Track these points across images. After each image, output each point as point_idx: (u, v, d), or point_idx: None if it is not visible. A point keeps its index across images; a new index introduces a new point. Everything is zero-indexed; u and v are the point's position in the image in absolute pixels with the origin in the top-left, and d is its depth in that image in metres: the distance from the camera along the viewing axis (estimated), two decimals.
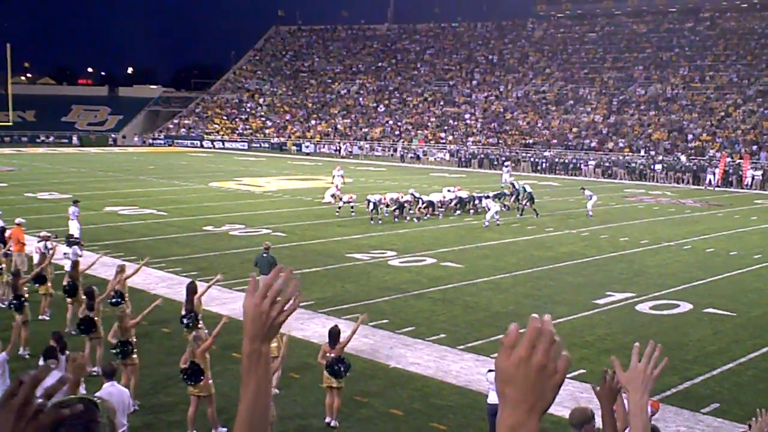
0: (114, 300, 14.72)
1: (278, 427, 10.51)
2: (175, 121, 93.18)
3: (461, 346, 14.99)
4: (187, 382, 10.95)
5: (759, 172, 51.85)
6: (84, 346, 13.35)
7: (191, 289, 13.81)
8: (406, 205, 31.39)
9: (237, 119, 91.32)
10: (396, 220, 30.78)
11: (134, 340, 12.15)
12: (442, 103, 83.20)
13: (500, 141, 71.25)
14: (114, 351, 11.92)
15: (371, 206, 30.32)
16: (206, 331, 12.24)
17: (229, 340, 13.62)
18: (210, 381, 11.00)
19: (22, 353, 13.85)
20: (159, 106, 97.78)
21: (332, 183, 38.29)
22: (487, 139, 72.48)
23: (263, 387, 2.03)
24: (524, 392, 1.50)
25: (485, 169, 61.65)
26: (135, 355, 12.04)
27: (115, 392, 9.22)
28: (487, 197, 32.40)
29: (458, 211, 33.12)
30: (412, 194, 31.96)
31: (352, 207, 31.84)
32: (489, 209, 30.55)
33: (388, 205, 31.06)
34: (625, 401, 3.10)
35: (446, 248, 25.36)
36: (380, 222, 30.15)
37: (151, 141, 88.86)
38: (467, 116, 78.63)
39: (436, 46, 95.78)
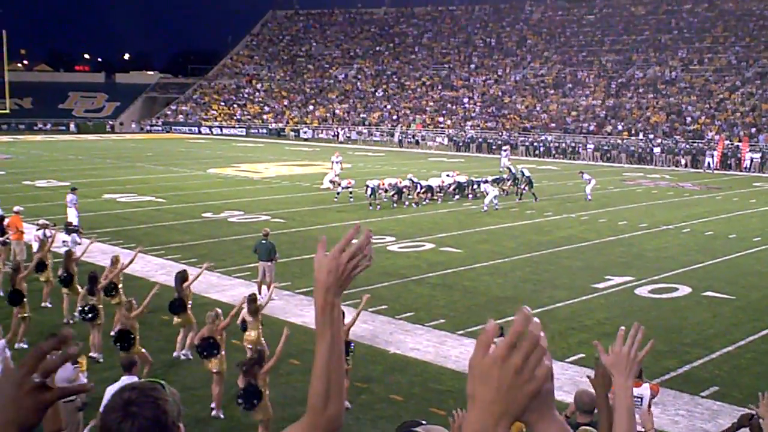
0: (107, 291, 14.72)
1: (280, 412, 10.53)
2: (173, 107, 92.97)
3: (460, 331, 15.01)
4: (203, 357, 11.33)
5: (758, 155, 51.83)
6: (88, 333, 13.40)
7: (181, 278, 13.85)
8: (404, 190, 31.36)
9: (235, 105, 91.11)
10: (395, 205, 30.76)
11: (137, 332, 12.19)
12: (440, 87, 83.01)
13: (498, 125, 71.14)
14: (117, 344, 11.97)
15: (369, 192, 30.29)
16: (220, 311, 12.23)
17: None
18: (224, 358, 11.35)
19: (19, 346, 13.73)
20: (156, 93, 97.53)
21: (331, 169, 38.24)
22: (485, 123, 72.36)
23: (337, 338, 2.08)
24: (497, 394, 1.42)
25: (484, 154, 61.59)
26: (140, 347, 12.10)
27: None
28: (486, 182, 32.40)
29: (457, 196, 33.11)
30: (410, 179, 31.94)
31: (350, 192, 31.84)
32: (487, 194, 30.55)
33: (386, 191, 31.04)
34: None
35: (445, 233, 25.36)
36: (378, 207, 30.13)
37: (148, 127, 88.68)
38: (465, 100, 78.47)
39: (434, 30, 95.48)
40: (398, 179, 31.87)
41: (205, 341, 11.27)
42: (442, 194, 32.73)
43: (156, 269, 19.75)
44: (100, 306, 13.50)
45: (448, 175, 34.43)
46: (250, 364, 9.89)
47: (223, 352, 11.38)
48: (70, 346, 1.65)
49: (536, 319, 1.45)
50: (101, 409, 2.16)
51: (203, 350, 11.29)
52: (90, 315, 13.28)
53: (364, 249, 2.07)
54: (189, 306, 13.81)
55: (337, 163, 38.66)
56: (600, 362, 3.83)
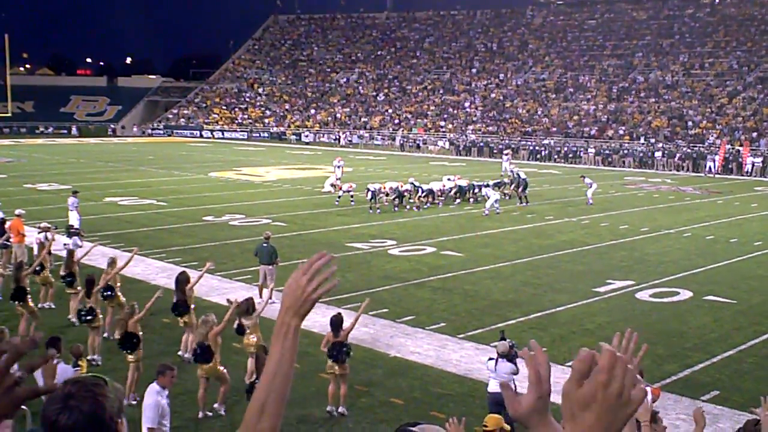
0: (105, 293, 14.73)
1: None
2: (174, 111, 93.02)
3: (461, 335, 15.01)
4: (195, 362, 11.51)
5: (759, 159, 51.80)
6: (87, 336, 13.40)
7: (182, 280, 13.87)
8: (405, 194, 31.37)
9: (236, 109, 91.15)
10: (396, 209, 30.76)
11: (140, 333, 12.21)
12: (441, 91, 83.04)
13: (500, 129, 71.15)
14: (121, 346, 12.01)
15: (370, 195, 30.31)
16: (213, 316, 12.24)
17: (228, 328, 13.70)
18: (220, 366, 11.47)
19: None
20: (158, 96, 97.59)
21: (332, 173, 38.24)
22: (486, 127, 72.37)
23: (287, 357, 2.11)
24: (599, 418, 1.49)
25: (485, 158, 61.59)
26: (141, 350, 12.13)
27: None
28: (487, 186, 32.40)
29: (458, 200, 33.09)
30: (411, 183, 31.93)
31: (351, 196, 31.85)
32: (489, 197, 30.57)
33: (387, 194, 31.05)
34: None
35: (446, 237, 25.36)
36: (379, 211, 30.12)
37: (150, 131, 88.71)
38: (467, 104, 78.48)
39: (436, 35, 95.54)
40: (399, 183, 31.89)
41: (198, 348, 11.36)
42: (443, 198, 32.72)
43: (157, 272, 19.76)
44: (98, 309, 13.51)
45: (449, 179, 34.43)
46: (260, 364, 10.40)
47: (217, 357, 11.41)
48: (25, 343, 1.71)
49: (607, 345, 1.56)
50: None
51: (197, 356, 11.41)
52: (88, 317, 13.28)
53: (323, 272, 2.12)
54: (192, 307, 13.84)
55: (338, 167, 38.67)
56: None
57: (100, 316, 13.58)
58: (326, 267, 2.15)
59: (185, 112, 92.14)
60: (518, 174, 34.45)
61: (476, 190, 33.54)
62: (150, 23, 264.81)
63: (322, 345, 11.48)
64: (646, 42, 77.82)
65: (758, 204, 35.17)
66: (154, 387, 9.27)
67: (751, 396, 11.68)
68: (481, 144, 65.99)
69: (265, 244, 17.42)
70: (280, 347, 2.11)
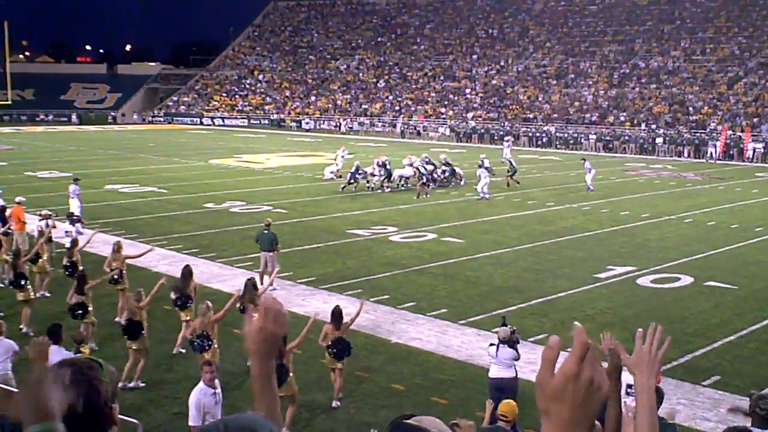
0: (113, 278, 14.77)
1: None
2: (175, 98, 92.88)
3: (462, 321, 15.02)
4: (194, 351, 11.39)
5: (760, 145, 51.71)
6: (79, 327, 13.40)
7: (185, 274, 13.83)
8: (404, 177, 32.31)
9: (236, 96, 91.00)
10: (385, 188, 31.98)
11: (146, 323, 12.23)
12: (442, 78, 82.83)
13: (500, 116, 71.01)
14: (124, 333, 12.05)
15: (351, 176, 31.76)
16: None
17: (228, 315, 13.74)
18: (218, 349, 11.47)
19: (26, 331, 13.88)
20: (158, 84, 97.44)
21: (334, 161, 38.13)
22: (487, 113, 72.23)
23: (274, 405, 2.16)
24: (574, 409, 1.45)
25: (486, 144, 61.49)
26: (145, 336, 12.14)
27: None
28: (481, 166, 31.82)
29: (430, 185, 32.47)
30: (417, 167, 32.55)
31: (366, 181, 32.77)
32: (480, 179, 30.47)
33: (373, 174, 32.15)
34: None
35: (447, 223, 25.35)
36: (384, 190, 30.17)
37: (150, 118, 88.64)
38: (467, 91, 78.30)
39: (436, 21, 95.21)
40: (380, 160, 33.03)
41: (197, 337, 11.28)
42: (436, 183, 33.37)
43: (158, 259, 19.75)
44: (90, 305, 13.43)
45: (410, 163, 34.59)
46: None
47: (215, 345, 11.40)
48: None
49: (580, 325, 1.50)
50: None
51: (195, 345, 11.33)
52: (79, 312, 13.23)
53: (275, 315, 2.12)
54: (191, 303, 13.75)
55: (342, 157, 38.42)
56: (614, 355, 3.84)
57: (90, 309, 13.42)
58: (275, 304, 2.15)
59: (185, 99, 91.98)
60: (510, 161, 34.89)
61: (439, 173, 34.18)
62: (150, 10, 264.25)
63: (321, 339, 11.44)
64: (648, 28, 77.52)
65: (759, 190, 35.14)
66: (198, 386, 9.12)
67: (752, 381, 11.71)
68: (482, 131, 65.88)
69: (266, 231, 17.42)
70: (267, 400, 2.15)
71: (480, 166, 31.72)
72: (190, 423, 8.92)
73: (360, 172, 32.19)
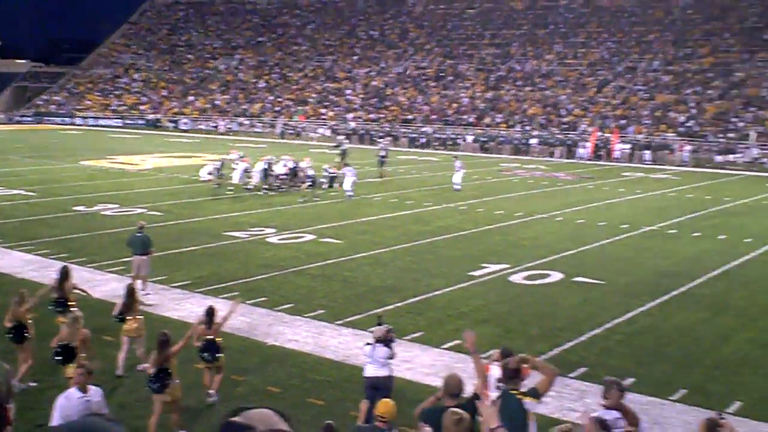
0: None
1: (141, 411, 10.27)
2: (45, 97, 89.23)
3: (339, 321, 15.02)
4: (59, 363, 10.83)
5: (627, 146, 54.15)
6: None
7: (62, 275, 13.30)
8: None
9: (111, 95, 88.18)
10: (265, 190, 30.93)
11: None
12: (323, 78, 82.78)
13: (381, 117, 71.57)
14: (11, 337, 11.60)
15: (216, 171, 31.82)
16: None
17: (100, 321, 13.30)
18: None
19: None
20: (27, 82, 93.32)
21: (212, 161, 37.29)
22: (367, 114, 72.66)
23: None
24: None
25: (366, 145, 61.82)
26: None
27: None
28: (347, 165, 32.81)
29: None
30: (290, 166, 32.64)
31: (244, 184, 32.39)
32: (346, 176, 31.12)
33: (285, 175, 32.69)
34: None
35: (326, 224, 25.33)
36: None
37: (18, 118, 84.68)
38: (348, 92, 78.55)
39: (317, 21, 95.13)
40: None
41: (62, 348, 10.66)
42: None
43: (23, 265, 18.91)
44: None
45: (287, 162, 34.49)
46: (159, 347, 9.96)
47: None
48: None
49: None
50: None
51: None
52: None
53: None
54: (72, 304, 13.23)
55: (236, 162, 37.22)
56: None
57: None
58: None
59: (56, 98, 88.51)
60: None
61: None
62: (19, 3, 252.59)
63: (195, 339, 11.22)
64: (523, 32, 79.85)
65: (625, 189, 36.73)
66: (67, 390, 8.64)
67: (617, 373, 12.14)
68: (362, 131, 66.24)
69: (138, 234, 16.93)
70: None
71: (346, 165, 32.62)
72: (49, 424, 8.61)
73: (271, 171, 32.24)
